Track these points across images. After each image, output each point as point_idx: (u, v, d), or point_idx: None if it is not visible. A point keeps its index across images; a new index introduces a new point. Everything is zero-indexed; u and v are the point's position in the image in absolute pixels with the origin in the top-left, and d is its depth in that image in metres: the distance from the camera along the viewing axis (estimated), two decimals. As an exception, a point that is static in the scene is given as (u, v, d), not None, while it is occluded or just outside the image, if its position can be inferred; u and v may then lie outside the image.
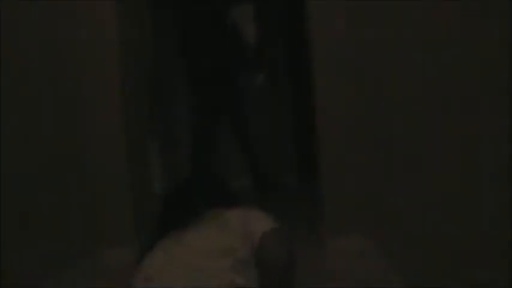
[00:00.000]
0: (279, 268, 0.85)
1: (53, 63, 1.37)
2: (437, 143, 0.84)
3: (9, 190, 1.15)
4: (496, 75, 0.66)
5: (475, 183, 0.72)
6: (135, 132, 1.56)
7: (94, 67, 1.47)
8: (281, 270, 0.86)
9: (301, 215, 1.83)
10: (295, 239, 0.98)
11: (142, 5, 1.75)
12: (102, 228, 1.48)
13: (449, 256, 0.81)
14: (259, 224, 0.89)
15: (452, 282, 0.80)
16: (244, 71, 2.39)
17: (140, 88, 1.66)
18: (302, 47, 2.00)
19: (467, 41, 0.72)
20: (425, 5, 0.85)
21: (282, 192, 2.36)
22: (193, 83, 2.30)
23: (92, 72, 1.47)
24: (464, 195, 0.75)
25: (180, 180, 1.06)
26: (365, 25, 1.27)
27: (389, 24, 1.07)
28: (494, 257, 0.67)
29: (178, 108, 2.60)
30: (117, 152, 1.47)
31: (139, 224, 1.51)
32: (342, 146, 1.42)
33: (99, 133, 1.48)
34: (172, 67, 2.52)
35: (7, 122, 1.16)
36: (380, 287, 1.11)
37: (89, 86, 1.48)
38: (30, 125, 1.26)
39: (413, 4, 0.92)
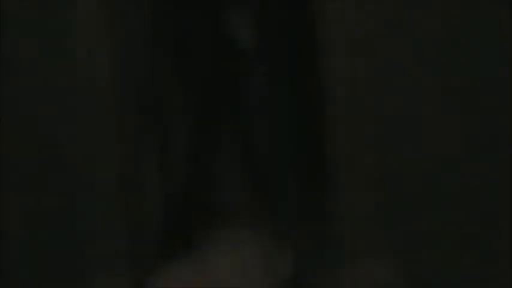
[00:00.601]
0: None
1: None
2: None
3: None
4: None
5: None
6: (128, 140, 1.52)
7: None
8: None
9: (307, 233, 1.78)
10: (300, 265, 0.94)
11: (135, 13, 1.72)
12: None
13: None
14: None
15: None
16: (244, 74, 2.35)
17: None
18: (307, 45, 1.97)
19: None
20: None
21: (284, 204, 2.31)
22: (189, 87, 2.27)
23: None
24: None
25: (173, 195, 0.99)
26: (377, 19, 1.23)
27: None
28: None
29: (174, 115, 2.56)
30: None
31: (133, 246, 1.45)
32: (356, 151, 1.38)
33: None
34: (167, 72, 2.49)
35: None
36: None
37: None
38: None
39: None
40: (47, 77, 1.14)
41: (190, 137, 0.51)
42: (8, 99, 1.02)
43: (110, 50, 0.59)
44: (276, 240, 0.59)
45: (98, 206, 1.15)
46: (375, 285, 0.63)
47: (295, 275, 0.61)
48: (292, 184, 0.47)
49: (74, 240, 1.18)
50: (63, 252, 1.16)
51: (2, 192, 1.00)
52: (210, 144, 0.51)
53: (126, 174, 0.61)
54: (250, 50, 0.42)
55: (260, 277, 0.64)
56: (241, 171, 0.48)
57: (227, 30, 0.46)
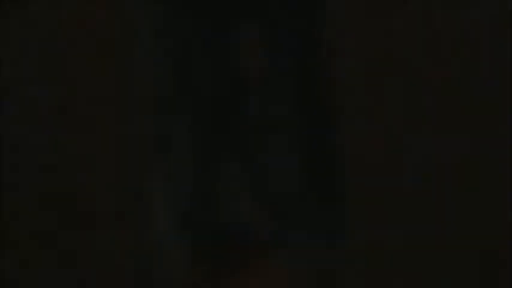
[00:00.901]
0: None
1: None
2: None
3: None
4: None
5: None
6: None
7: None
8: None
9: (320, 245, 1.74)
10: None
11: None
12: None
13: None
14: None
15: None
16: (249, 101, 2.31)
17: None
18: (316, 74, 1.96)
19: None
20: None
21: (297, 225, 2.27)
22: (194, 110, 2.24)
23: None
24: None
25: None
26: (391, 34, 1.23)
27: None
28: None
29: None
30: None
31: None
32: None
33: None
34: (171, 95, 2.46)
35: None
36: None
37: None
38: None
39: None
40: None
41: (198, 149, 0.50)
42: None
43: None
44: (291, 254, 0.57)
45: (102, 236, 1.13)
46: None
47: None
48: (302, 199, 0.46)
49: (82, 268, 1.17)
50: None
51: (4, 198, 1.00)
52: (218, 157, 0.50)
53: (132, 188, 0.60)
54: (259, 68, 0.42)
55: None
56: (250, 185, 0.48)
57: (236, 46, 0.45)
